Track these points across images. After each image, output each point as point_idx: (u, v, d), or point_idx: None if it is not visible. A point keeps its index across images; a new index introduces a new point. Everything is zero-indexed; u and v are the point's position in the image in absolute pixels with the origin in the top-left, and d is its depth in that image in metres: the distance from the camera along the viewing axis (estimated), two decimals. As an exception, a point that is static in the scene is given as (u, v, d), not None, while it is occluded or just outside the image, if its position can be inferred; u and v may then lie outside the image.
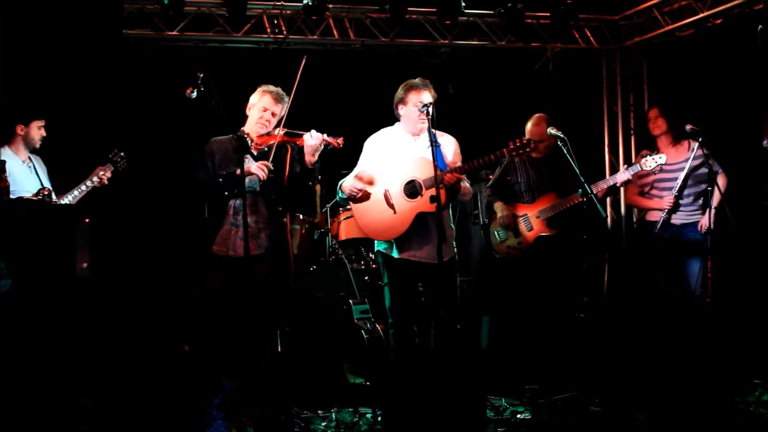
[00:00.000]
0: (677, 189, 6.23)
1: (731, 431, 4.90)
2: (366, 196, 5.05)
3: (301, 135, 4.94)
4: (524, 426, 5.04)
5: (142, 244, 7.01)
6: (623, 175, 6.07)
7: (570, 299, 6.29)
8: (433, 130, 5.01)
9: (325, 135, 4.92)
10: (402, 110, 5.13)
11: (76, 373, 4.34)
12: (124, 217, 6.20)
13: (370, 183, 5.06)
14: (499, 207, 6.15)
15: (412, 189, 4.98)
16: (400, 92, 5.14)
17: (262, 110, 5.10)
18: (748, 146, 6.60)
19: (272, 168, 4.87)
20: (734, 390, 5.41)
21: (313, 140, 4.88)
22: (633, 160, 8.45)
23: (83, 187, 5.93)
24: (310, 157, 4.92)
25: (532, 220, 6.06)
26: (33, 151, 5.99)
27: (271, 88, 5.17)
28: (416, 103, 5.03)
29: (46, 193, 5.40)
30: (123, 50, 6.74)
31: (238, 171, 4.79)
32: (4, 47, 5.62)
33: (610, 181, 6.11)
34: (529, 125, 6.26)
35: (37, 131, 5.94)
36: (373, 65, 7.71)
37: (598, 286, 7.96)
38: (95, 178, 5.97)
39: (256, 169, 4.85)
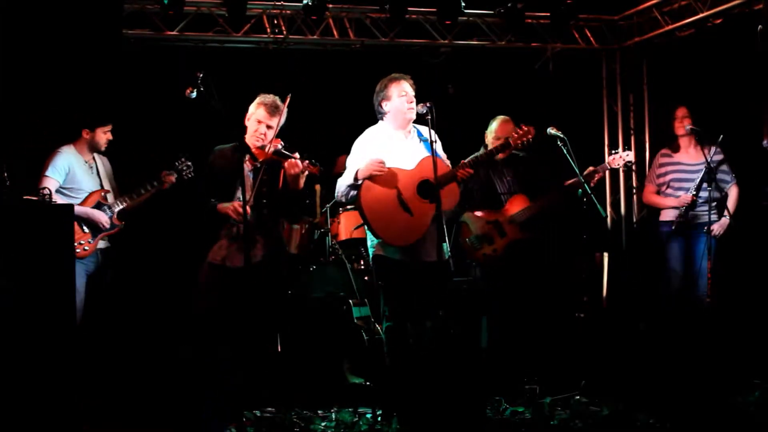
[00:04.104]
0: (695, 188, 6.23)
1: (731, 431, 4.90)
2: (385, 176, 4.88)
3: (289, 157, 4.87)
4: (524, 426, 5.04)
5: (141, 244, 7.01)
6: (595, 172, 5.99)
7: (570, 299, 6.28)
8: (418, 126, 5.02)
9: (306, 162, 4.86)
10: (386, 106, 5.06)
11: (76, 374, 4.33)
12: (123, 217, 6.18)
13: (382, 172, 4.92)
14: (468, 218, 5.96)
15: (427, 189, 4.86)
16: (380, 90, 5.09)
17: (257, 123, 5.06)
18: (748, 146, 6.60)
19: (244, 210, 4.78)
20: (734, 390, 5.41)
21: (294, 169, 4.84)
22: (633, 159, 8.45)
23: (142, 191, 6.04)
24: (294, 185, 4.88)
25: (504, 225, 5.91)
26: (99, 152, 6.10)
27: (267, 99, 5.09)
28: (401, 93, 5.00)
29: (49, 193, 5.42)
30: (123, 50, 6.74)
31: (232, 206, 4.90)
32: (4, 48, 5.62)
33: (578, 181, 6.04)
34: (496, 124, 6.09)
35: (102, 136, 6.03)
36: (373, 65, 7.70)
37: (598, 286, 7.96)
38: (155, 183, 6.05)
39: (232, 210, 4.87)
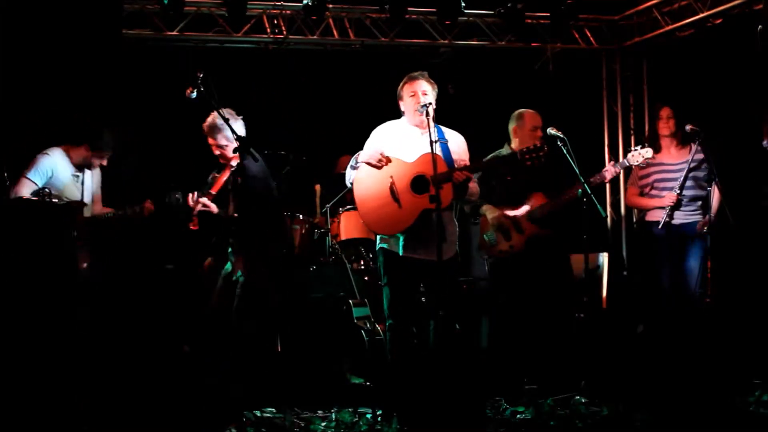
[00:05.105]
0: (679, 187, 6.22)
1: (731, 431, 4.90)
2: (384, 167, 4.95)
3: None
4: (524, 426, 5.04)
5: (142, 245, 7.01)
6: (611, 171, 6.02)
7: (570, 299, 6.27)
8: (441, 127, 5.03)
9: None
10: (401, 105, 5.13)
11: (76, 374, 4.34)
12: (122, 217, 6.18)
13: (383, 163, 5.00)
14: (488, 209, 6.00)
15: (420, 184, 4.91)
16: (398, 89, 5.15)
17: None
18: (748, 146, 6.60)
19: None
20: (734, 390, 5.41)
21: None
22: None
23: (120, 213, 5.93)
24: None
25: (522, 222, 5.94)
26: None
27: (205, 122, 5.35)
28: (410, 93, 5.03)
29: (49, 193, 5.40)
30: (123, 50, 6.74)
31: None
32: (4, 49, 5.62)
33: (598, 178, 6.06)
34: (528, 116, 6.08)
35: (98, 160, 5.91)
36: (373, 65, 7.72)
37: (598, 286, 7.96)
38: (138, 209, 5.92)
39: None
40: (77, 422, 4.30)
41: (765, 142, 6.07)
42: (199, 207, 5.30)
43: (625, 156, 6.12)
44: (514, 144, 6.05)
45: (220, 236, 5.45)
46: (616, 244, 8.33)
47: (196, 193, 5.31)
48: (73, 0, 6.11)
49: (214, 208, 5.35)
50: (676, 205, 6.24)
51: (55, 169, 5.74)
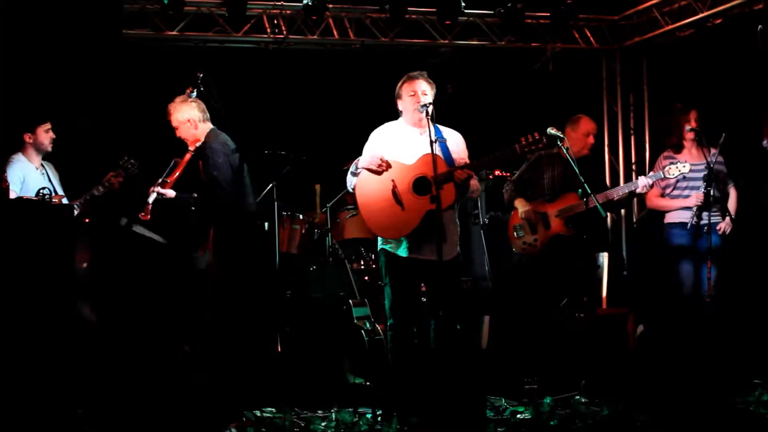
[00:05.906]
0: (704, 187, 6.19)
1: (731, 431, 4.90)
2: (384, 172, 4.92)
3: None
4: (524, 426, 5.04)
5: (140, 245, 7.00)
6: (645, 181, 6.03)
7: (570, 299, 6.28)
8: (439, 126, 5.01)
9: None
10: (400, 104, 5.10)
11: (76, 373, 4.34)
12: (122, 217, 6.19)
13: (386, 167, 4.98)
14: (520, 203, 6.18)
15: (422, 185, 4.90)
16: (397, 89, 5.14)
17: None
18: (748, 146, 6.60)
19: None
20: (734, 390, 5.41)
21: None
22: (633, 159, 8.48)
23: (95, 192, 6.00)
24: None
25: (551, 218, 6.07)
26: (45, 156, 6.03)
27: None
28: (410, 93, 5.02)
29: (49, 194, 5.42)
30: (123, 50, 6.75)
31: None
32: (4, 49, 5.62)
33: (631, 186, 6.08)
34: (583, 121, 6.31)
35: (45, 135, 5.96)
36: (373, 65, 7.72)
37: (598, 286, 7.95)
38: (106, 183, 6.01)
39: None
40: (77, 422, 4.30)
41: (765, 142, 6.06)
42: (153, 196, 5.31)
43: (659, 167, 6.15)
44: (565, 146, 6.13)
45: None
46: (616, 244, 8.32)
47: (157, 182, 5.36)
48: (73, 0, 6.12)
49: (170, 194, 5.38)
50: (704, 206, 6.22)
51: (25, 174, 5.83)
